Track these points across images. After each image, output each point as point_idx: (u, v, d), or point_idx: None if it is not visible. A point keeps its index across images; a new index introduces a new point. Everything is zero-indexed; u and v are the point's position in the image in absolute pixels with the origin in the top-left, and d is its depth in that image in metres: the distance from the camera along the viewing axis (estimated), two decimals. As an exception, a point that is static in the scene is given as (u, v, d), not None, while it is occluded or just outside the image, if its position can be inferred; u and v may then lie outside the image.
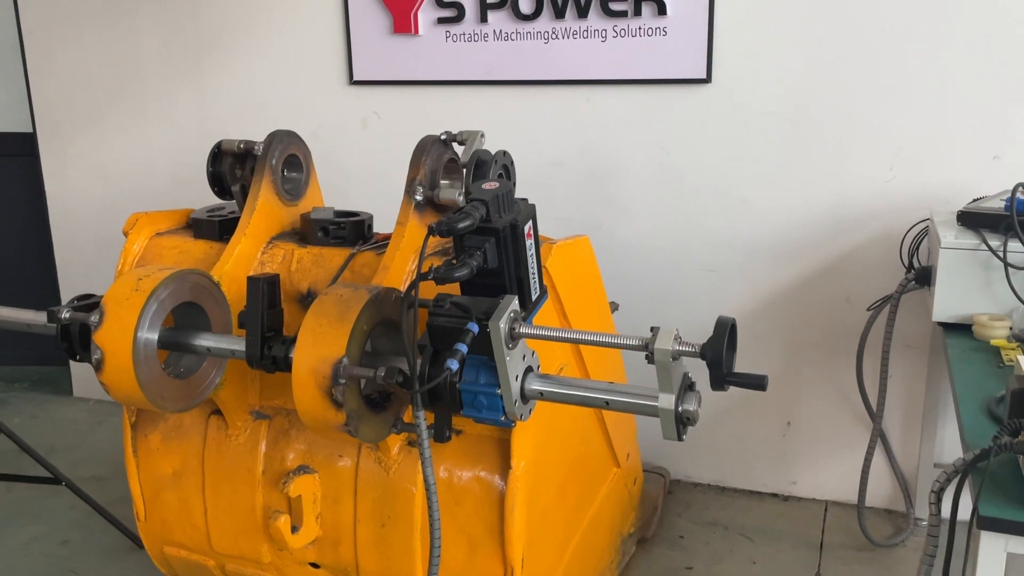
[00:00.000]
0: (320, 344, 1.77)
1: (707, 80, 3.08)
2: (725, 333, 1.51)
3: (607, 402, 1.70)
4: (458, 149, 2.30)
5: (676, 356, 1.55)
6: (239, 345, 1.99)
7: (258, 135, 3.74)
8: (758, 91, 3.06)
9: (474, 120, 3.43)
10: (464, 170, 2.19)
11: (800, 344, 3.22)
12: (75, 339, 2.05)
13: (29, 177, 4.33)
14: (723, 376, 1.51)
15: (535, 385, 1.75)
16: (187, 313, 2.06)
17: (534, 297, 1.79)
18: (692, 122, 3.15)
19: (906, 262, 2.89)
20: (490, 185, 1.72)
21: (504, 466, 2.09)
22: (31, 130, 4.21)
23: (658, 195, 3.25)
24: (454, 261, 1.70)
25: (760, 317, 3.24)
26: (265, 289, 1.96)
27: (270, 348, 1.95)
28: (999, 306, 2.41)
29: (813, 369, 3.24)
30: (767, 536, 3.10)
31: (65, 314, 2.01)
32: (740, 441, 3.38)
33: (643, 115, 3.21)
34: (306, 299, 2.26)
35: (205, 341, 2.03)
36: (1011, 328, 2.34)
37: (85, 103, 4.04)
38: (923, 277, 2.68)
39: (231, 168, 2.40)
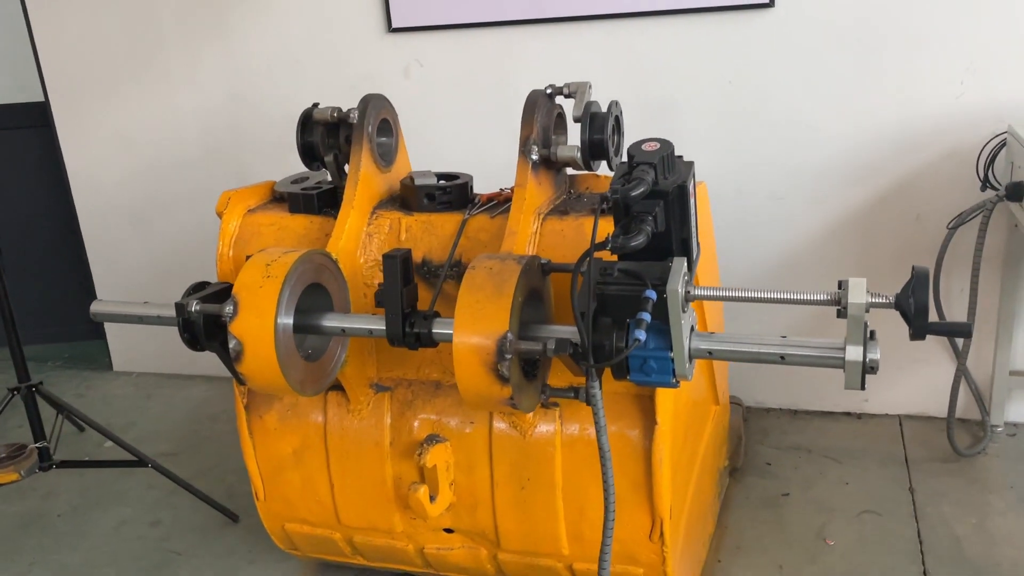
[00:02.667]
0: (481, 320, 1.74)
1: (770, 4, 3.01)
2: (926, 282, 1.49)
3: (782, 357, 1.69)
4: (562, 102, 2.23)
5: (869, 309, 1.54)
6: (377, 324, 1.95)
7: (292, 93, 3.66)
8: (823, 11, 2.98)
9: (524, 61, 3.36)
10: (579, 124, 2.12)
11: (870, 263, 3.22)
12: (200, 331, 1.99)
13: (44, 148, 4.17)
14: (925, 326, 1.50)
15: (703, 345, 1.73)
16: (309, 294, 2.01)
17: (695, 256, 1.76)
18: (755, 49, 3.08)
19: (982, 176, 2.89)
20: (650, 146, 1.67)
21: (645, 421, 2.09)
22: (43, 99, 4.04)
23: (721, 126, 3.20)
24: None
25: (829, 240, 3.24)
26: (401, 266, 1.91)
27: (412, 325, 1.92)
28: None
29: (882, 287, 3.19)
30: (851, 456, 3.15)
31: (195, 307, 1.95)
32: (810, 364, 3.40)
33: (703, 45, 3.13)
34: (421, 268, 2.22)
35: (338, 322, 1.99)
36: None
37: (100, 68, 3.86)
38: (1015, 193, 2.68)
39: (323, 138, 2.31)
